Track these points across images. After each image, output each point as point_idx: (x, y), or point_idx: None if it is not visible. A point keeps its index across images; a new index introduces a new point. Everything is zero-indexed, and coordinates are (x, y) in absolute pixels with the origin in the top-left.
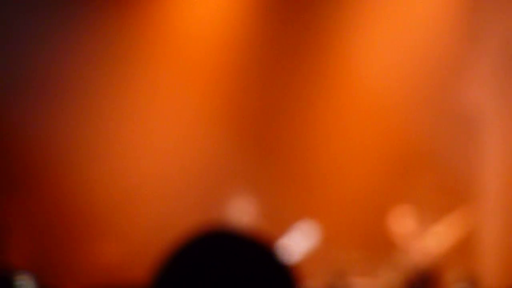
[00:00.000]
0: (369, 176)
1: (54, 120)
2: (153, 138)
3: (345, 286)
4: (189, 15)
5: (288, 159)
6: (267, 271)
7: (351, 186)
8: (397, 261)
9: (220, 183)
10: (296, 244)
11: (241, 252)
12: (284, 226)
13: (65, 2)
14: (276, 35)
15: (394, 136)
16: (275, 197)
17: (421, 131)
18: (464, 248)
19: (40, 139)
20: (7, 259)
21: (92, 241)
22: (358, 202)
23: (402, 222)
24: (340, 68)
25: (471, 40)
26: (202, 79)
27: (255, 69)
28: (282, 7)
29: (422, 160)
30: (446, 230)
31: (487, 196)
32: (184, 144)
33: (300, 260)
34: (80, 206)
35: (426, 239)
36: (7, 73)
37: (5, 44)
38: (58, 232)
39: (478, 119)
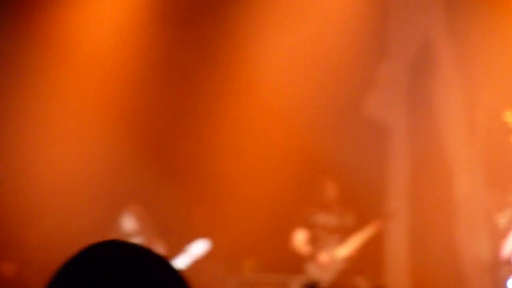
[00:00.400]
0: (271, 189)
1: None
2: (51, 153)
3: None
4: (90, 31)
5: (189, 175)
6: (161, 281)
7: (253, 201)
8: (303, 276)
9: (118, 200)
10: (191, 260)
11: (134, 262)
12: (181, 244)
13: None
14: (177, 48)
15: (299, 147)
16: (174, 214)
17: (328, 140)
18: (372, 260)
19: None
20: None
21: None
22: (260, 217)
23: (306, 236)
24: (243, 78)
25: (381, 49)
26: (103, 95)
27: (158, 82)
28: (184, 17)
29: (328, 171)
30: (354, 241)
31: (395, 205)
32: (83, 160)
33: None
34: None
35: (334, 251)
36: None
37: None
38: None
39: (387, 127)
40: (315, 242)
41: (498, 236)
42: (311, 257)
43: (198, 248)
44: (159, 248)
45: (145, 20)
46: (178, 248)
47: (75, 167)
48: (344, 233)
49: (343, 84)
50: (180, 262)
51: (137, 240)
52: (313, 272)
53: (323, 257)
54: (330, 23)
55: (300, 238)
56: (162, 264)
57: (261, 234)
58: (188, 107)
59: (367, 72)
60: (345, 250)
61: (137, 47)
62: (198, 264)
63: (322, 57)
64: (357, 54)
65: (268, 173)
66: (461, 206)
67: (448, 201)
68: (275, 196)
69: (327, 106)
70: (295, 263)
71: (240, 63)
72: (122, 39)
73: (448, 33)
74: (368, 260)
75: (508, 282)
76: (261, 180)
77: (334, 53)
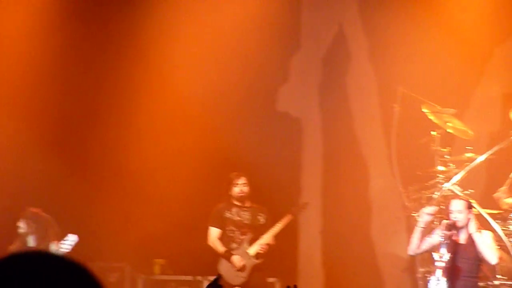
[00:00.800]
0: (184, 188)
1: None
2: None
3: None
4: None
5: (99, 174)
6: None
7: (165, 200)
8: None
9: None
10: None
11: (50, 268)
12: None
13: None
14: (86, 44)
15: (212, 143)
16: (82, 214)
17: (241, 135)
18: (286, 258)
19: None
20: None
21: None
22: (172, 216)
23: (219, 235)
24: (154, 74)
25: (293, 41)
26: (4, 92)
27: (63, 79)
28: (93, 12)
29: (242, 166)
30: (265, 237)
31: (307, 199)
32: None
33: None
34: None
35: (246, 250)
36: None
37: None
38: None
39: (300, 120)
40: (228, 241)
41: None
42: (224, 256)
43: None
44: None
45: (52, 15)
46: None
47: None
48: (257, 232)
49: (255, 77)
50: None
51: (32, 240)
52: (226, 271)
53: (236, 256)
54: (243, 17)
55: (213, 237)
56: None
57: (173, 234)
58: (97, 103)
59: (280, 65)
60: (255, 247)
61: (43, 43)
62: (109, 264)
63: (234, 51)
64: (269, 47)
65: (180, 171)
66: (376, 202)
67: (363, 197)
68: (187, 195)
69: (240, 101)
70: (206, 264)
71: (152, 59)
72: (27, 35)
73: (362, 24)
74: (282, 259)
75: (430, 282)
76: (173, 178)
77: (247, 47)
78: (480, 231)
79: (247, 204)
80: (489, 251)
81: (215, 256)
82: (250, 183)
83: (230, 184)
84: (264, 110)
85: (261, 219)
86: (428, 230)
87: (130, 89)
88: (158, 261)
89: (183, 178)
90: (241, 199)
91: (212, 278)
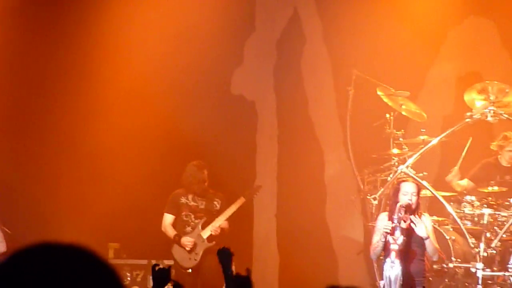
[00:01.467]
0: (139, 172)
1: None
2: None
3: None
4: None
5: (54, 159)
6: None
7: (120, 185)
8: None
9: None
10: None
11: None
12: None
13: None
14: (34, 34)
15: (167, 127)
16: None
17: (197, 119)
18: (241, 243)
19: None
20: None
21: None
22: (126, 201)
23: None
24: (107, 60)
25: (248, 24)
26: None
27: (19, 62)
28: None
29: (198, 150)
30: (218, 220)
31: (261, 183)
32: None
33: None
34: None
35: (200, 234)
36: None
37: None
38: None
39: (255, 103)
40: (182, 225)
41: (370, 218)
42: (174, 240)
43: None
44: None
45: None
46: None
47: None
48: (212, 217)
49: (210, 60)
50: None
51: None
52: (179, 255)
53: (189, 241)
54: (198, 0)
55: (166, 223)
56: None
57: (127, 218)
58: (53, 84)
59: (234, 48)
60: (209, 230)
61: None
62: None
63: (189, 34)
64: (224, 30)
65: (136, 154)
66: (331, 185)
67: (318, 180)
68: (143, 177)
69: (195, 83)
70: (161, 247)
71: (108, 42)
72: None
73: (316, 7)
74: (237, 242)
75: (385, 265)
76: (129, 161)
77: (201, 29)
78: (420, 215)
79: (205, 190)
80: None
81: (169, 239)
82: (207, 170)
83: (189, 170)
84: (219, 93)
85: (217, 204)
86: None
87: (86, 71)
88: (112, 245)
89: (139, 160)
90: (198, 185)
91: (167, 262)
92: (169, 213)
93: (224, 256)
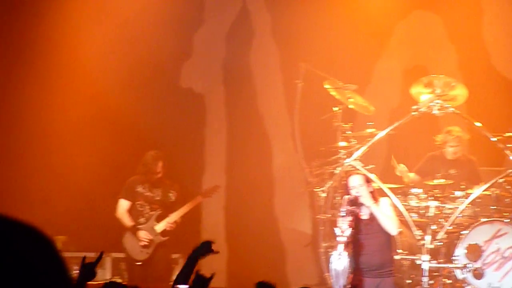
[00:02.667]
0: (88, 160)
1: None
2: None
3: None
4: None
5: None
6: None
7: (68, 177)
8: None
9: None
10: None
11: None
12: None
13: None
14: None
15: (118, 119)
16: None
17: (148, 112)
18: (190, 236)
19: None
20: None
21: None
22: (75, 193)
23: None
24: (55, 51)
25: (196, 17)
26: None
27: None
28: None
29: (150, 142)
30: (173, 216)
31: (212, 177)
32: None
33: None
34: None
35: (154, 226)
36: None
37: None
38: None
39: (203, 96)
40: (136, 215)
41: (318, 210)
42: (130, 230)
43: None
44: None
45: None
46: None
47: None
48: (166, 209)
49: (159, 53)
50: None
51: None
52: (130, 246)
53: (142, 231)
54: (146, 13)
55: (122, 209)
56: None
57: (75, 210)
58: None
59: (183, 41)
60: (163, 225)
61: None
62: None
63: (138, 27)
64: (173, 23)
65: (85, 148)
66: (279, 177)
67: (266, 173)
68: (91, 169)
69: (144, 76)
70: (110, 240)
71: (55, 39)
72: None
73: (265, 1)
74: (185, 235)
75: (332, 257)
76: (78, 152)
77: (150, 22)
78: (377, 202)
79: (160, 181)
80: (388, 222)
81: (120, 231)
82: (164, 160)
83: (145, 161)
84: (168, 86)
85: (172, 196)
86: None
87: (39, 62)
88: (59, 237)
89: (88, 153)
90: (154, 176)
91: (116, 255)
92: (125, 199)
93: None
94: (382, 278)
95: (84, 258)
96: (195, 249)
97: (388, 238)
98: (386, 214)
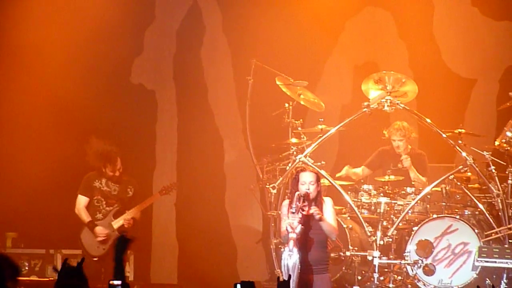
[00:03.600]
0: (39, 157)
1: None
2: None
3: None
4: None
5: None
6: None
7: (20, 173)
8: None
9: None
10: None
11: None
12: None
13: None
14: None
15: (71, 115)
16: None
17: (100, 108)
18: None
19: None
20: None
21: None
22: (26, 190)
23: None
24: (13, 49)
25: (147, 13)
26: None
27: None
28: None
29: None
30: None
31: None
32: None
33: None
34: None
35: (110, 222)
36: None
37: None
38: None
39: (155, 92)
40: (93, 210)
41: (269, 207)
42: (88, 226)
43: None
44: None
45: None
46: None
47: None
48: (124, 204)
49: (110, 49)
50: None
51: None
52: (87, 242)
53: (99, 227)
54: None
55: (80, 205)
56: None
57: (25, 207)
58: None
59: (135, 37)
60: (121, 221)
61: None
62: None
63: (90, 23)
64: (124, 19)
65: (35, 144)
66: (230, 174)
67: (217, 169)
68: (42, 169)
69: (95, 73)
70: (60, 237)
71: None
72: None
73: None
74: (136, 232)
75: (283, 253)
76: (28, 151)
77: (101, 18)
78: (322, 202)
79: (118, 176)
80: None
81: (70, 227)
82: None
83: (105, 160)
84: (119, 82)
85: (130, 191)
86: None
87: None
88: (10, 234)
89: (38, 149)
90: (112, 172)
91: (66, 251)
92: (83, 195)
93: (122, 243)
94: (318, 275)
95: (66, 259)
96: (116, 249)
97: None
98: (327, 223)
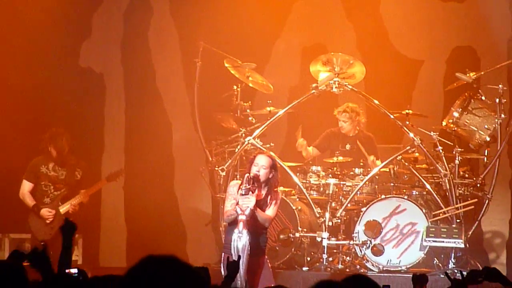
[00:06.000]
0: None
1: None
2: None
3: None
4: None
5: None
6: None
7: None
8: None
9: None
10: None
11: None
12: None
13: None
14: None
15: (19, 98)
16: None
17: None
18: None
19: None
20: None
21: None
22: None
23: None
24: None
25: (95, 3)
26: None
27: None
28: None
29: (47, 124)
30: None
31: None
32: None
33: None
34: None
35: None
36: None
37: None
38: None
39: (103, 75)
40: (41, 195)
41: (218, 189)
42: (32, 210)
43: None
44: None
45: None
46: None
47: None
48: (72, 189)
49: (58, 33)
50: None
51: None
52: (35, 226)
53: (49, 212)
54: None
55: (24, 190)
56: None
57: None
58: None
59: (82, 20)
60: (67, 206)
61: None
62: None
63: (37, 6)
64: (71, 2)
65: None
66: (179, 156)
67: (166, 152)
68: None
69: (43, 56)
70: (8, 221)
71: None
72: None
73: None
74: (85, 214)
75: (233, 236)
76: None
77: (48, 2)
78: (275, 189)
79: (66, 160)
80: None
81: (19, 212)
82: (69, 140)
83: (50, 141)
84: (67, 65)
85: (78, 175)
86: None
87: None
88: None
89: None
90: (59, 155)
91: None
92: (27, 181)
93: (68, 228)
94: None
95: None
96: (63, 234)
97: (278, 219)
98: (260, 212)
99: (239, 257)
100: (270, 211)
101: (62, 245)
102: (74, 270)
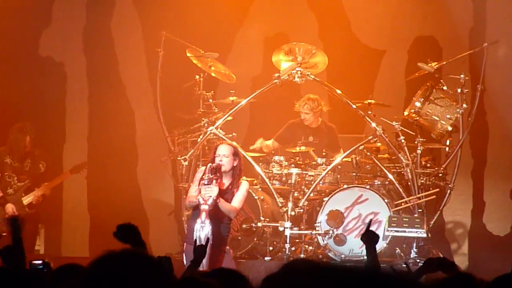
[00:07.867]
0: None
1: None
2: None
3: None
4: None
5: None
6: None
7: None
8: None
9: None
10: None
11: None
12: None
13: None
14: None
15: None
16: None
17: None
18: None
19: None
20: None
21: None
22: None
23: None
24: None
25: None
26: None
27: None
28: None
29: (8, 115)
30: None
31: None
32: None
33: None
34: None
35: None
36: None
37: None
38: None
39: (64, 65)
40: (4, 186)
41: (181, 179)
42: (3, 204)
43: None
44: None
45: None
46: None
47: None
48: (35, 180)
49: (17, 21)
50: None
51: None
52: None
53: (9, 205)
54: None
55: None
56: None
57: None
58: None
59: (42, 9)
60: (30, 198)
61: None
62: None
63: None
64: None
65: None
66: (142, 146)
67: (129, 141)
68: None
69: (4, 47)
70: None
71: None
72: None
73: None
74: (47, 205)
75: (195, 226)
76: None
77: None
78: (238, 179)
79: (28, 151)
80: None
81: None
82: (31, 131)
83: (13, 136)
84: (26, 55)
85: (42, 167)
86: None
87: None
88: None
89: None
90: (22, 147)
91: None
92: None
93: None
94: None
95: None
96: (11, 231)
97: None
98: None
99: (207, 241)
100: (236, 202)
101: (12, 241)
102: (38, 262)
